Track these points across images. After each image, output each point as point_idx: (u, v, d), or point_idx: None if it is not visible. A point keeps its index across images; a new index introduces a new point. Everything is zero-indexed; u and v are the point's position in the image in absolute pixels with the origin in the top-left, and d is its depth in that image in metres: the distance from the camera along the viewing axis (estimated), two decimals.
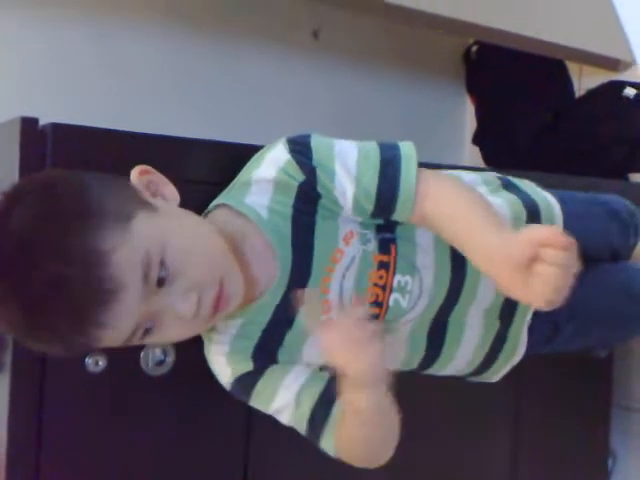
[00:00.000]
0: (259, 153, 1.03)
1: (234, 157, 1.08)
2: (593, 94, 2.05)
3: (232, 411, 1.21)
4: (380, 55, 2.15)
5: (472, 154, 2.24)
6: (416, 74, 2.24)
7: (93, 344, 0.89)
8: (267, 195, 0.99)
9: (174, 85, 1.82)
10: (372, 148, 1.00)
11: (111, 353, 1.09)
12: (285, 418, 1.01)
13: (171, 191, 0.97)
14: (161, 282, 0.88)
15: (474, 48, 2.21)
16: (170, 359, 1.14)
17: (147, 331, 0.90)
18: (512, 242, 0.87)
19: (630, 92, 1.94)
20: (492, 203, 1.11)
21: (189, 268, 0.90)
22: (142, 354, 1.13)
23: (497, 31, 1.78)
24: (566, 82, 2.13)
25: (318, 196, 0.99)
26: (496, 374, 1.20)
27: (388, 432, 0.98)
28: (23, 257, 0.84)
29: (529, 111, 2.09)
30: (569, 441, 1.69)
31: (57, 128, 1.05)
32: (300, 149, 0.99)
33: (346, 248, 1.00)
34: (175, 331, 0.93)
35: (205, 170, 1.07)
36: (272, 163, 0.99)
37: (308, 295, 0.93)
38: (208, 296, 0.91)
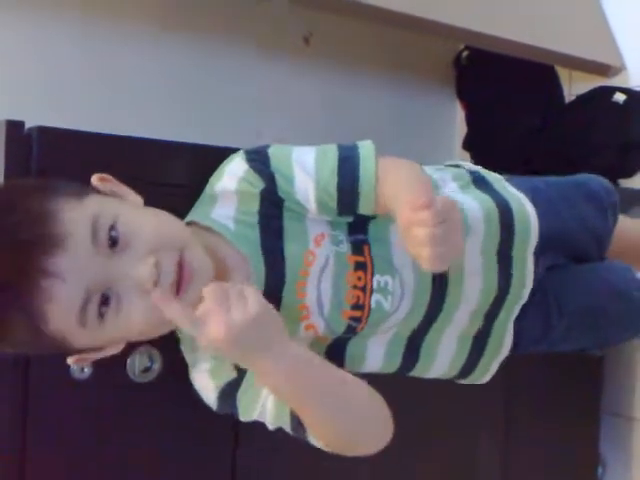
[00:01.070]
0: (220, 166, 1.03)
1: (222, 161, 1.07)
2: (583, 100, 2.06)
3: (219, 418, 1.20)
4: (371, 60, 2.15)
5: (462, 159, 2.23)
6: (406, 79, 2.24)
7: (45, 306, 0.83)
8: (232, 206, 1.00)
9: (163, 89, 1.81)
10: (330, 148, 1.01)
11: (96, 360, 1.08)
12: (268, 421, 1.00)
13: (133, 195, 0.97)
14: (113, 242, 0.87)
15: (464, 53, 2.22)
16: (157, 366, 1.13)
17: (105, 301, 0.87)
18: (402, 207, 0.88)
19: (620, 97, 1.94)
20: (463, 202, 1.11)
21: (142, 233, 0.89)
22: (128, 361, 1.11)
23: (487, 36, 1.78)
24: (556, 87, 2.13)
25: (281, 200, 1.00)
26: (484, 374, 1.19)
27: (357, 403, 0.95)
28: None
29: (519, 116, 2.09)
30: (559, 448, 1.69)
31: (43, 131, 1.04)
32: (257, 157, 1.00)
33: (317, 249, 1.00)
34: (137, 307, 0.88)
35: (192, 174, 1.06)
36: (231, 175, 1.01)
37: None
38: (167, 262, 0.89)
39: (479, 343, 1.15)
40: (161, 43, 1.80)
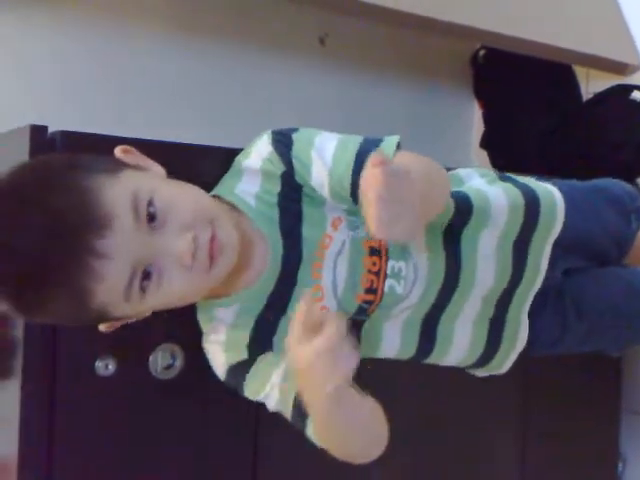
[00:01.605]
0: (250, 143, 1.05)
1: None
2: (600, 98, 2.05)
3: (240, 414, 1.22)
4: (387, 60, 2.16)
5: (480, 158, 2.24)
6: (423, 79, 2.25)
7: (94, 285, 0.86)
8: (257, 184, 1.02)
9: (182, 92, 1.83)
10: (353, 140, 1.01)
11: (120, 356, 1.10)
12: (271, 403, 1.01)
13: (156, 166, 0.99)
14: (151, 217, 0.89)
15: (481, 52, 2.22)
16: (179, 363, 1.15)
17: (147, 276, 0.89)
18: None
19: (637, 95, 1.94)
20: (488, 191, 1.11)
21: (178, 208, 0.92)
22: (151, 358, 1.14)
23: (504, 36, 1.78)
24: (573, 86, 2.13)
25: (299, 185, 1.02)
26: (502, 364, 1.19)
27: (367, 432, 0.96)
28: (17, 194, 0.87)
29: (536, 115, 2.09)
30: (579, 445, 1.69)
31: (66, 136, 1.07)
32: (282, 140, 1.02)
33: (334, 233, 1.02)
34: (176, 280, 0.91)
35: (212, 176, 1.08)
36: (258, 153, 1.03)
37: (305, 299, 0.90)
38: (203, 236, 0.91)
39: (495, 330, 1.15)
40: (177, 45, 1.82)
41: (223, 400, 1.19)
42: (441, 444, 1.47)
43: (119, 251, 0.86)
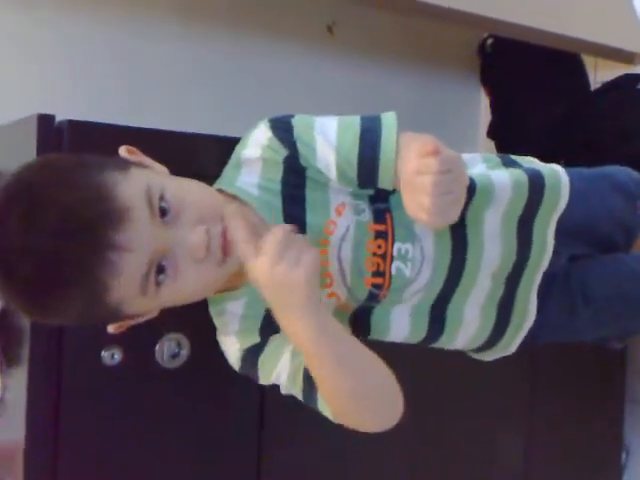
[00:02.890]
0: (245, 134, 1.05)
1: None
2: (608, 87, 2.05)
3: (245, 403, 1.23)
4: (395, 48, 2.15)
5: (486, 147, 2.23)
6: (431, 67, 2.24)
7: (111, 279, 0.85)
8: (257, 173, 1.02)
9: (190, 81, 1.83)
10: (353, 119, 1.02)
11: (126, 346, 1.11)
12: (282, 384, 1.01)
13: (159, 165, 0.99)
14: (164, 212, 0.90)
15: (489, 41, 2.21)
16: (184, 352, 1.16)
17: (161, 270, 0.90)
18: (409, 157, 0.87)
19: None
20: (491, 174, 1.11)
21: (189, 204, 0.92)
22: (157, 347, 1.14)
23: (512, 25, 1.78)
24: (581, 75, 2.12)
25: (303, 169, 1.02)
26: (510, 343, 1.18)
27: (371, 379, 0.96)
28: (31, 194, 0.86)
29: (544, 104, 2.08)
30: (583, 435, 1.70)
31: (73, 125, 1.07)
32: (280, 125, 1.02)
33: (338, 219, 1.02)
34: (190, 273, 0.91)
35: (220, 166, 1.08)
36: (256, 142, 1.02)
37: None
38: (215, 229, 0.92)
39: (505, 309, 1.15)
40: (189, 37, 1.82)
41: (229, 388, 1.20)
42: (447, 432, 1.47)
43: (137, 243, 0.86)
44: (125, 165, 0.93)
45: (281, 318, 0.92)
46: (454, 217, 0.88)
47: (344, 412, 0.96)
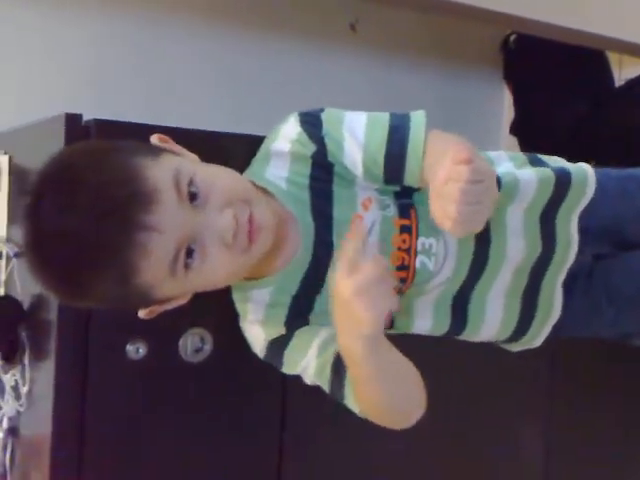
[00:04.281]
0: (275, 127, 1.06)
1: None
2: (633, 84, 2.03)
3: (268, 397, 1.24)
4: (417, 45, 2.15)
5: (509, 144, 2.23)
6: (454, 64, 2.24)
7: (140, 260, 0.87)
8: (285, 167, 1.03)
9: (213, 80, 1.84)
10: (382, 116, 1.02)
11: (151, 340, 1.13)
12: (309, 376, 1.02)
13: (190, 154, 1.01)
14: (193, 197, 0.91)
15: (512, 37, 2.20)
16: (208, 346, 1.18)
17: (190, 253, 0.91)
18: (443, 162, 0.87)
19: None
20: (517, 172, 1.11)
21: (218, 188, 0.93)
22: (181, 342, 1.16)
23: (535, 22, 1.77)
24: (606, 72, 2.10)
25: (331, 165, 1.03)
26: (536, 337, 1.18)
27: (405, 388, 0.97)
28: (65, 177, 0.89)
29: (568, 101, 2.07)
30: (604, 431, 1.69)
31: (100, 124, 1.09)
32: (310, 120, 1.02)
33: (365, 213, 1.02)
34: (218, 259, 0.92)
35: (241, 164, 1.10)
36: (286, 136, 1.03)
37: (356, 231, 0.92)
38: (243, 215, 0.93)
39: (529, 302, 1.15)
40: (214, 36, 1.83)
41: (251, 383, 1.21)
42: (466, 434, 1.47)
43: (166, 224, 0.88)
44: (157, 151, 0.95)
45: (339, 328, 0.92)
46: (478, 228, 0.88)
47: (373, 414, 0.98)
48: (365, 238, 0.90)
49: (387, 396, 0.96)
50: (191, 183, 0.91)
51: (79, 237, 0.86)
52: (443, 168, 0.86)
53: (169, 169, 0.91)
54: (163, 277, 0.91)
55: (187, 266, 0.91)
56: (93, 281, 0.89)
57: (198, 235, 0.91)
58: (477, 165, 0.84)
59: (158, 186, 0.88)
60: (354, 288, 0.85)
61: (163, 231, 0.87)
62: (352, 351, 0.91)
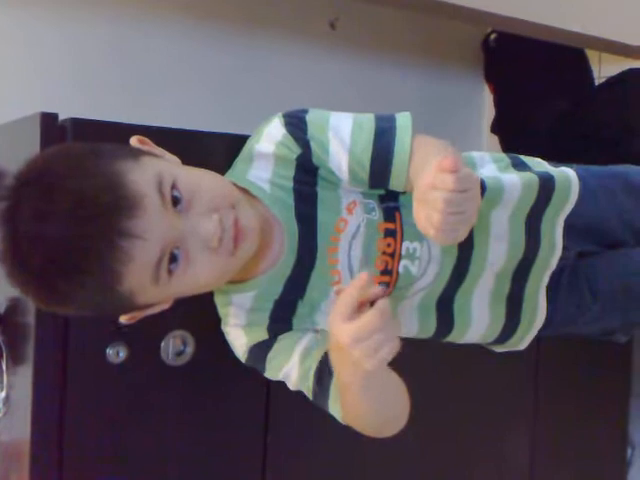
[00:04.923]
0: (259, 127, 1.05)
1: None
2: (613, 82, 2.04)
3: (251, 400, 1.23)
4: (397, 44, 2.15)
5: (490, 142, 2.23)
6: (434, 63, 2.24)
7: (123, 267, 0.85)
8: (269, 169, 1.02)
9: (192, 78, 1.83)
10: (367, 119, 1.01)
11: (132, 343, 1.11)
12: (292, 381, 1.01)
13: (170, 155, 0.99)
14: (176, 201, 0.89)
15: (493, 36, 2.21)
16: (190, 349, 1.16)
17: (173, 259, 0.89)
18: (427, 170, 0.86)
19: None
20: (502, 177, 1.10)
21: (202, 193, 0.92)
22: (162, 344, 1.14)
23: (515, 20, 1.77)
24: (585, 70, 2.11)
25: (315, 168, 1.02)
26: (521, 341, 1.19)
27: (392, 403, 0.97)
28: (44, 181, 0.86)
29: (548, 99, 2.08)
30: (588, 431, 1.70)
31: (76, 123, 1.07)
32: (294, 122, 1.01)
33: (349, 217, 1.02)
34: (202, 263, 0.91)
35: (223, 163, 1.08)
36: (269, 138, 1.02)
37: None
38: (227, 219, 0.92)
39: (514, 307, 1.15)
40: (191, 34, 1.82)
41: (234, 386, 1.20)
42: (451, 432, 1.47)
43: (149, 230, 0.86)
44: (137, 154, 0.93)
45: (335, 363, 0.90)
46: (462, 237, 0.87)
47: (356, 424, 0.97)
48: (370, 285, 0.86)
49: (373, 410, 0.95)
50: (174, 187, 0.90)
51: (60, 244, 0.84)
52: (428, 175, 0.85)
53: (151, 173, 0.89)
54: (146, 283, 0.89)
55: (170, 272, 0.90)
56: (74, 288, 0.87)
57: (182, 241, 0.90)
58: (462, 174, 0.83)
59: (141, 191, 0.86)
60: (355, 336, 0.82)
61: (145, 237, 0.86)
62: (350, 384, 0.90)
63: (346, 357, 0.85)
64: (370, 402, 0.93)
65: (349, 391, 0.92)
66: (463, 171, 0.83)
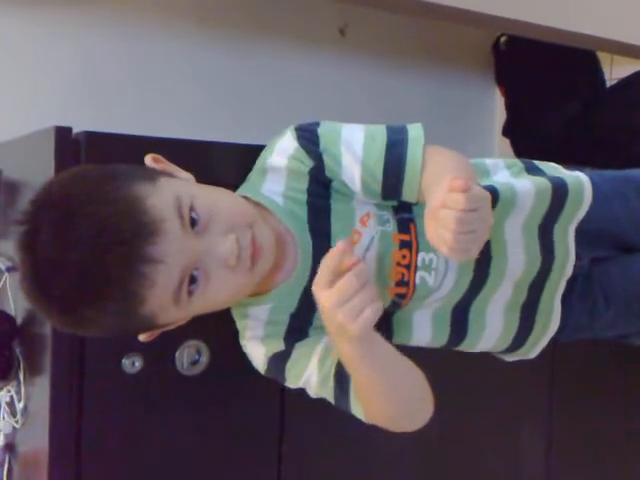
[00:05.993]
0: (271, 141, 1.05)
1: None
2: (624, 83, 2.03)
3: (266, 410, 1.23)
4: (408, 49, 2.15)
5: (502, 146, 2.23)
6: (444, 66, 2.24)
7: (145, 291, 0.86)
8: (282, 182, 1.03)
9: (202, 88, 1.83)
10: (379, 131, 1.02)
11: (147, 353, 1.12)
12: (312, 387, 1.02)
13: (184, 173, 1.00)
14: (194, 222, 0.90)
15: (503, 39, 2.20)
16: (204, 359, 1.17)
17: (193, 280, 0.90)
18: (440, 188, 0.87)
19: None
20: (515, 183, 1.10)
21: (219, 213, 0.93)
22: (177, 354, 1.15)
23: (525, 24, 1.76)
24: (597, 72, 2.11)
25: (328, 180, 1.02)
26: (532, 349, 1.19)
27: (405, 386, 0.97)
28: (63, 206, 0.87)
29: (559, 102, 2.07)
30: (605, 432, 1.69)
31: (90, 136, 1.07)
32: (307, 136, 1.02)
33: (363, 229, 1.02)
34: (221, 282, 0.92)
35: (235, 174, 1.09)
36: (282, 151, 1.02)
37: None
38: (244, 238, 0.93)
39: (528, 315, 1.15)
40: (203, 44, 1.82)
41: (248, 395, 1.21)
42: (467, 433, 1.47)
43: (170, 255, 0.87)
44: (153, 175, 0.93)
45: (330, 333, 0.92)
46: (474, 254, 0.88)
47: (379, 420, 0.98)
48: (349, 249, 0.89)
49: (390, 395, 0.96)
50: (192, 208, 0.91)
51: (82, 271, 0.84)
52: (440, 192, 0.85)
53: (169, 196, 0.90)
54: (167, 305, 0.90)
55: (191, 292, 0.91)
56: (97, 314, 0.88)
57: (201, 261, 0.91)
58: (473, 193, 0.84)
59: (161, 216, 0.87)
60: (335, 300, 0.86)
61: (167, 262, 0.87)
62: (346, 354, 0.91)
63: (334, 325, 0.88)
64: (380, 378, 0.94)
65: (353, 369, 0.93)
66: (474, 190, 0.84)
